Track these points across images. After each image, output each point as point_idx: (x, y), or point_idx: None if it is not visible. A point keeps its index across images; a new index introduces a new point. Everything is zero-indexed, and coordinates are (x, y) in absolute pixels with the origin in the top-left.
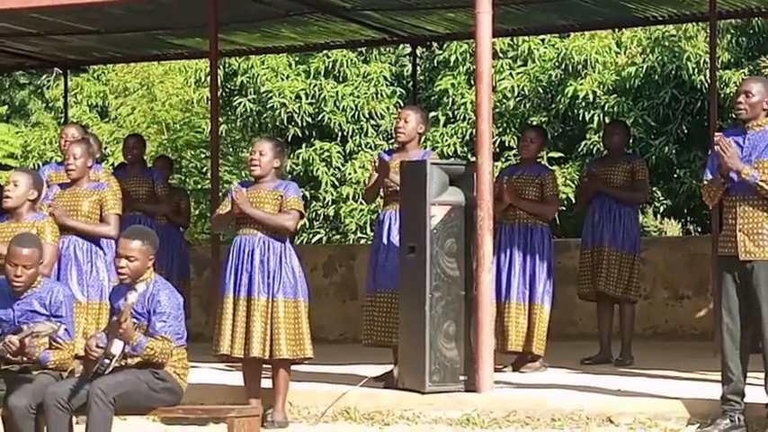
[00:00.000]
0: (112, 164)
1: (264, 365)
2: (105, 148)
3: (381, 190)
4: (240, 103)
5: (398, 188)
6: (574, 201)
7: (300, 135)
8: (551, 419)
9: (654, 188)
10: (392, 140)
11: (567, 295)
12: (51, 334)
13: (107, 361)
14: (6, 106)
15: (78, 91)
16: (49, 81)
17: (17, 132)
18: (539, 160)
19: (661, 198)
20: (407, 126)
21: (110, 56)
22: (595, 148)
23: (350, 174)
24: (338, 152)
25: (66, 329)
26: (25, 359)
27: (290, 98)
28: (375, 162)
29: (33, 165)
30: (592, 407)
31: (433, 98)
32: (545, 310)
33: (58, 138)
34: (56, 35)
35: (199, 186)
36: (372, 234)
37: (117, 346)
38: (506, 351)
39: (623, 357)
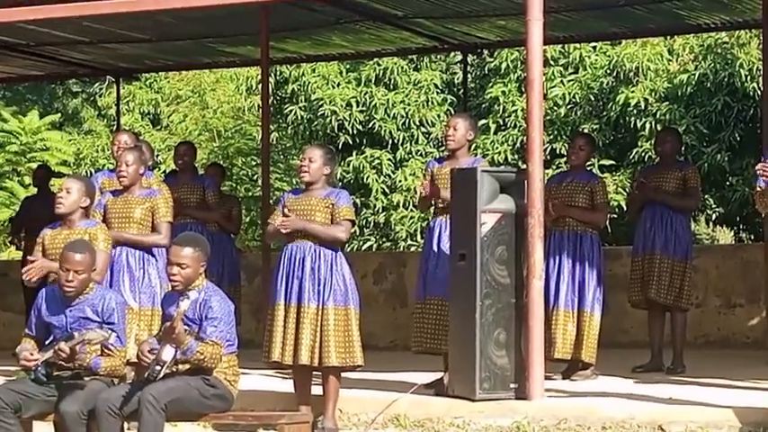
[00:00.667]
0: (164, 171)
1: (315, 372)
2: (157, 156)
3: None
4: (291, 111)
5: (449, 200)
6: (625, 208)
7: (351, 142)
8: (602, 428)
9: (706, 196)
10: (442, 148)
11: (618, 303)
12: (103, 342)
13: (158, 367)
14: (59, 114)
15: (131, 99)
16: (101, 89)
17: (70, 140)
18: (588, 168)
19: (713, 206)
20: (457, 134)
21: (162, 64)
22: (647, 156)
23: (400, 181)
24: (389, 160)
25: (117, 337)
26: (76, 366)
27: (341, 106)
28: (427, 176)
29: (86, 172)
30: (643, 415)
31: (483, 106)
32: (595, 318)
33: (111, 145)
34: (108, 43)
35: (250, 194)
36: (423, 241)
37: (168, 353)
38: (553, 359)
39: (675, 366)
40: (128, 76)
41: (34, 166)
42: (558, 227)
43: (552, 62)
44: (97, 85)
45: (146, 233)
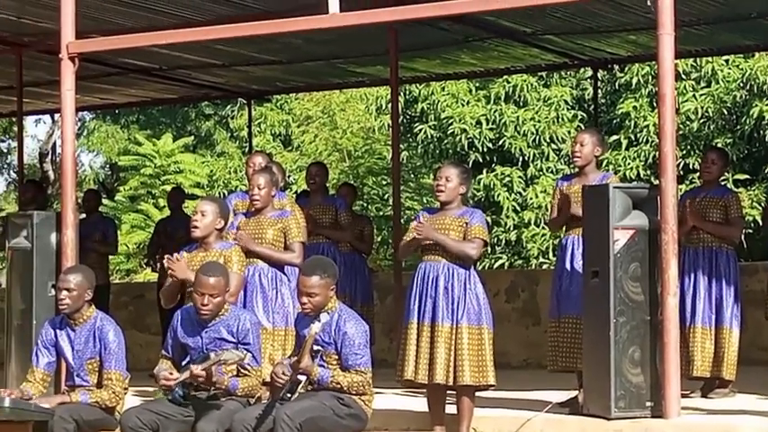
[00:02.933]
0: (295, 192)
1: (449, 391)
2: (289, 177)
3: None
4: (421, 130)
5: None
6: (761, 223)
7: (481, 160)
8: None
9: None
10: (572, 165)
11: (755, 319)
12: (238, 362)
13: (293, 387)
14: (193, 137)
15: (262, 120)
16: (233, 111)
17: (203, 162)
18: (722, 182)
19: None
20: (584, 150)
21: (292, 85)
22: None
23: (531, 198)
24: (519, 177)
25: (253, 356)
26: (214, 387)
27: (471, 124)
28: (557, 194)
29: (219, 193)
30: None
31: (614, 121)
32: (734, 335)
33: (245, 166)
34: (240, 66)
35: (380, 213)
36: (555, 259)
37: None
38: (691, 377)
39: None
40: (259, 97)
41: (168, 188)
42: (692, 243)
43: (684, 76)
44: (229, 107)
45: (280, 251)
